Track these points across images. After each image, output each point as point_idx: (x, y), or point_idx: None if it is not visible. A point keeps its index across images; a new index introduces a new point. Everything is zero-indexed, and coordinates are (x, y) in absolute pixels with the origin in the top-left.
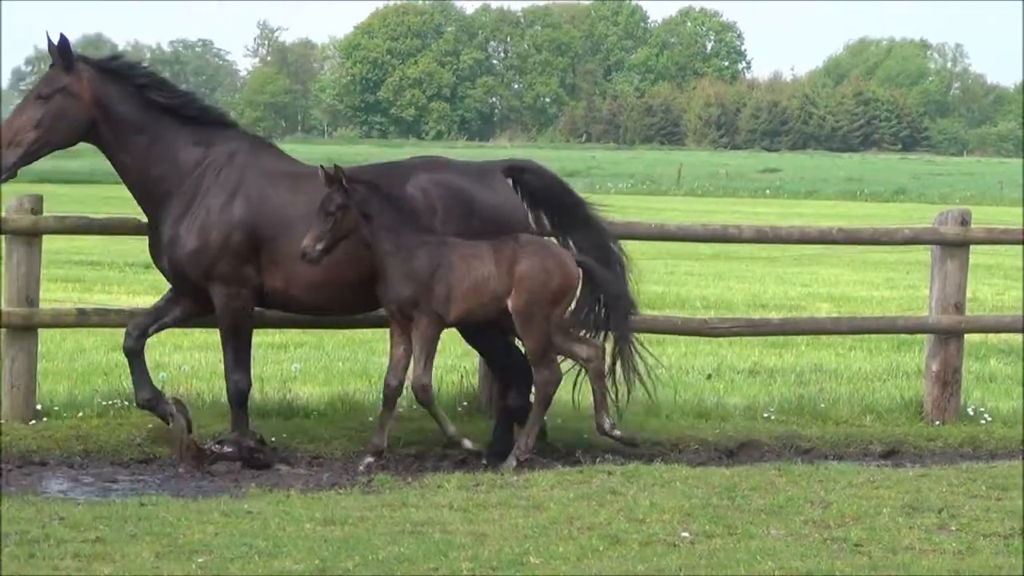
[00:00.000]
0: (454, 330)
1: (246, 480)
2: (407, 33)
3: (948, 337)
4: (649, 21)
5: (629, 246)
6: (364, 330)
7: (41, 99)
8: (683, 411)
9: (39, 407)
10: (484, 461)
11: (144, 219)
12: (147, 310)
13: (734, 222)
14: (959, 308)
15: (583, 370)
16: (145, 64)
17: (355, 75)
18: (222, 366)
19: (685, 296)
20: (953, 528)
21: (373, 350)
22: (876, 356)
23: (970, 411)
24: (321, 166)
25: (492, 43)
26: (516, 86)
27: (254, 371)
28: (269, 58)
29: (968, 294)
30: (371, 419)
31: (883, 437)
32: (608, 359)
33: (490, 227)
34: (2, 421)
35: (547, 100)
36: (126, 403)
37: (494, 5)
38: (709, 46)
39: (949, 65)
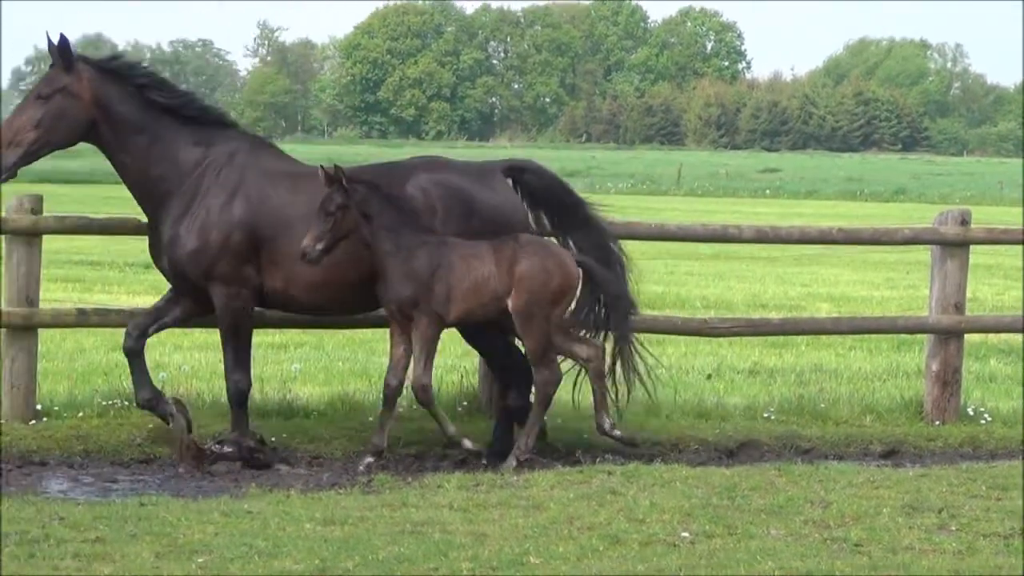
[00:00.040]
0: (454, 330)
1: (246, 480)
2: (407, 33)
3: (948, 337)
4: (649, 21)
5: (629, 246)
6: (364, 330)
7: (41, 99)
8: (683, 411)
9: (39, 407)
10: (484, 461)
11: (144, 219)
12: (147, 310)
13: (734, 222)
14: (959, 308)
15: (583, 370)
16: (145, 64)
17: (355, 75)
18: (222, 366)
19: (685, 296)
20: (953, 528)
21: (373, 350)
22: (876, 356)
23: (970, 411)
24: (321, 166)
25: (492, 43)
26: (516, 86)
27: (254, 371)
28: (269, 58)
29: (968, 294)
30: (371, 419)
31: (883, 437)
32: (608, 359)
33: (490, 227)
34: (2, 421)
35: (547, 100)
36: (126, 403)
37: (494, 5)
38: (709, 46)
39: (949, 65)
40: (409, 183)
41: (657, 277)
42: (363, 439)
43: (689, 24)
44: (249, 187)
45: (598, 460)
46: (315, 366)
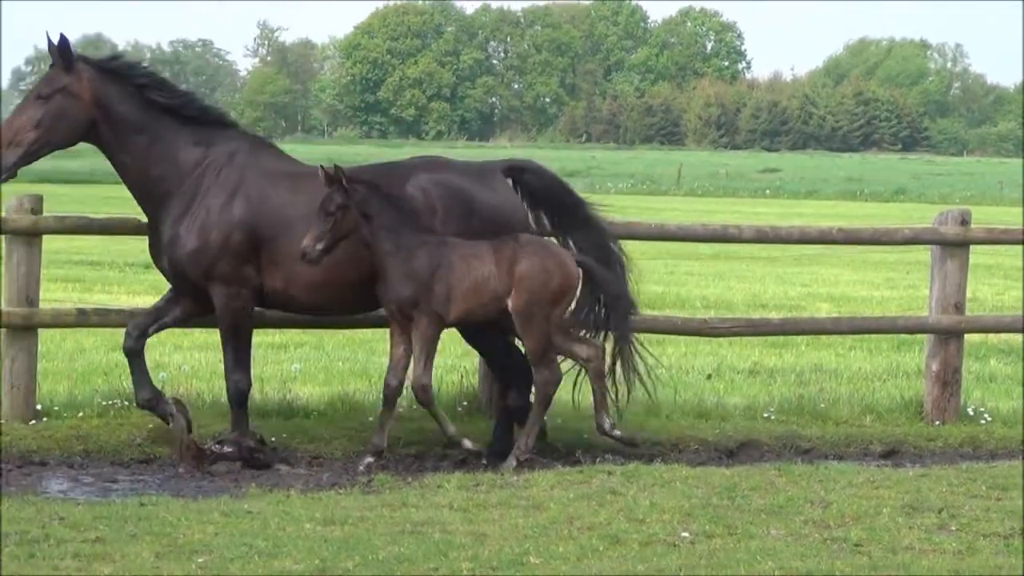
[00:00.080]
0: (454, 330)
1: (246, 480)
2: (407, 33)
3: (948, 337)
4: (649, 21)
5: (629, 246)
6: (364, 330)
7: (41, 99)
8: (683, 411)
9: (39, 407)
10: (484, 461)
11: (144, 219)
12: (147, 310)
13: (734, 222)
14: (959, 308)
15: (583, 370)
16: (145, 64)
17: (355, 75)
18: (222, 366)
19: (685, 296)
20: (953, 528)
21: (373, 350)
22: (876, 356)
23: (970, 411)
24: (321, 166)
25: (492, 43)
26: (516, 86)
27: (254, 371)
28: (269, 58)
29: (968, 294)
30: (371, 419)
31: (883, 437)
32: (608, 359)
33: (490, 227)
34: (2, 421)
35: (547, 100)
36: (126, 403)
37: (494, 5)
38: (709, 46)
39: (949, 65)
40: (409, 183)
41: (657, 277)
42: (363, 439)
43: (689, 24)
44: (249, 187)
45: (598, 460)
46: (315, 366)
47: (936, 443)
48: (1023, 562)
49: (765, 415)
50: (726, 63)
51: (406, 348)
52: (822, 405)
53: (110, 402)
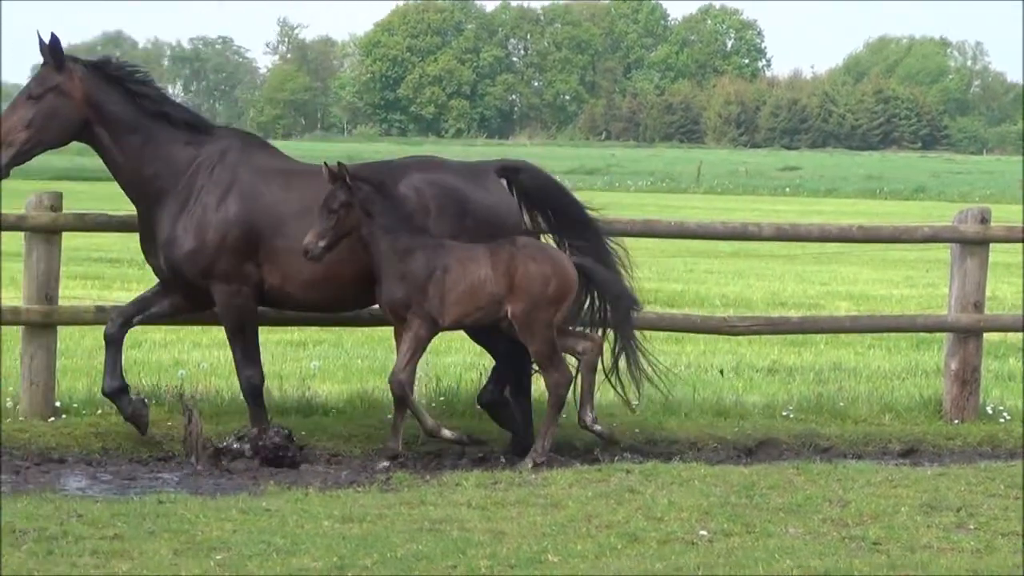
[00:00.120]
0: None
1: (264, 478)
2: (427, 30)
3: (967, 336)
4: (669, 19)
5: (649, 244)
6: (383, 328)
7: (32, 98)
8: (702, 409)
9: (58, 404)
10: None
11: None
12: (134, 299)
13: (754, 220)
14: (978, 307)
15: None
16: (137, 65)
17: (375, 72)
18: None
19: (704, 294)
20: (971, 527)
21: (392, 348)
22: (895, 355)
23: (989, 410)
24: (324, 163)
25: (512, 40)
26: (536, 84)
27: (273, 368)
28: (289, 55)
29: (988, 292)
30: (389, 416)
31: (902, 436)
32: (612, 358)
33: (484, 227)
34: (21, 418)
35: (567, 98)
36: (146, 400)
37: (514, 3)
38: (729, 44)
39: (969, 63)
40: (402, 182)
41: (677, 275)
42: (382, 437)
43: (709, 22)
44: (242, 184)
45: (616, 458)
46: (334, 363)
47: (955, 442)
48: None
49: (784, 413)
50: (746, 61)
51: None
52: (841, 404)
53: None
